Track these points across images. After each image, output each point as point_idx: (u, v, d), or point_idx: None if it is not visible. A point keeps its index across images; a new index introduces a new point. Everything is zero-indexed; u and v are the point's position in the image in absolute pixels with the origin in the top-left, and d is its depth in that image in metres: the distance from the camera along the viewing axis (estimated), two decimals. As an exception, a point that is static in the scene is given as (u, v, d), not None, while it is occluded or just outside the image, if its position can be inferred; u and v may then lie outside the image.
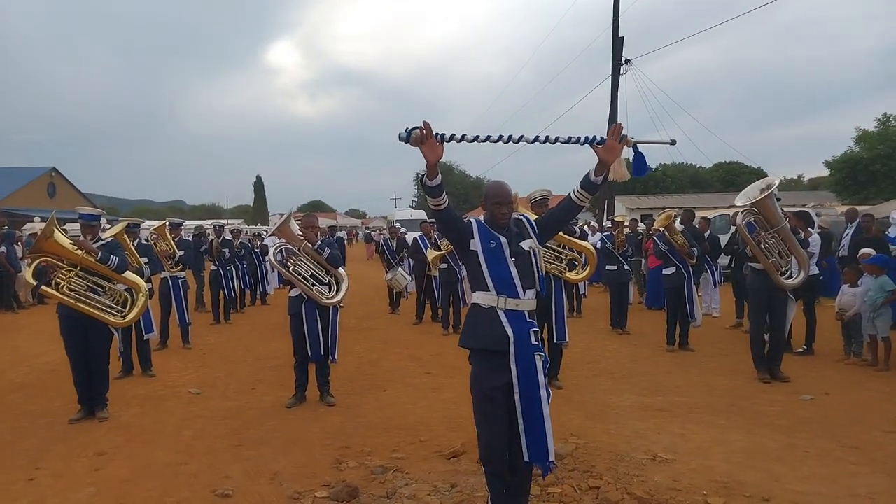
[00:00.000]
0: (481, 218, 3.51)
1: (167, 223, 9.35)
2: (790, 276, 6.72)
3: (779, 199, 7.03)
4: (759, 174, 39.84)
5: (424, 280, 11.27)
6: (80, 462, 4.72)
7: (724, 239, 11.43)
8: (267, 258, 13.48)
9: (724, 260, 11.79)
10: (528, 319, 3.32)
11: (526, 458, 3.23)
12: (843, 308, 7.63)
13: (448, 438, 5.04)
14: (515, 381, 3.21)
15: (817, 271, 8.32)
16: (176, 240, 9.05)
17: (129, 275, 5.95)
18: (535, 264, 3.38)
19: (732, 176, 45.63)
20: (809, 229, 8.16)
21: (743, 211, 6.84)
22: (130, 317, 5.95)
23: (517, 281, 3.29)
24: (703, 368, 7.45)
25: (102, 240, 5.98)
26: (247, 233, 20.03)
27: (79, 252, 5.57)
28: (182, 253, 8.89)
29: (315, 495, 4.03)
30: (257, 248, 14.67)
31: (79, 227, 5.85)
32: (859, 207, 15.41)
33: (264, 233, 18.29)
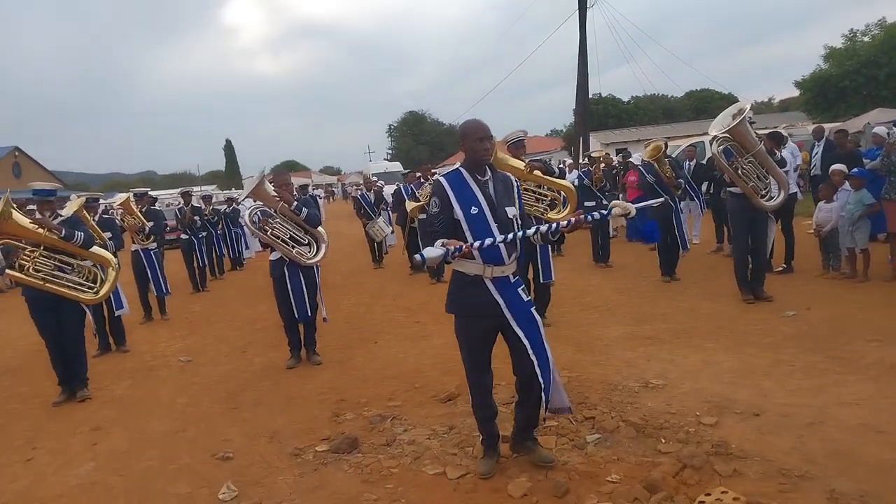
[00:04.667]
0: (457, 165, 3.48)
1: (131, 195, 9.13)
2: (770, 198, 6.75)
3: (753, 123, 6.99)
4: (731, 100, 39.77)
5: (408, 231, 11.18)
6: (76, 439, 4.71)
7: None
8: (242, 221, 13.33)
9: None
10: (513, 280, 3.39)
11: (546, 408, 3.41)
12: (819, 224, 7.73)
13: (442, 383, 5.09)
14: (523, 336, 3.31)
15: (795, 190, 8.38)
16: (143, 210, 8.87)
17: (96, 249, 5.79)
18: (516, 230, 3.37)
19: (704, 104, 45.64)
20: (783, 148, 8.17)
21: (718, 138, 6.79)
22: (103, 292, 5.79)
23: (502, 248, 3.29)
24: (688, 294, 7.55)
25: (62, 216, 5.74)
26: (217, 198, 19.43)
27: (40, 231, 5.35)
28: (151, 224, 8.72)
29: (315, 450, 4.06)
30: (228, 212, 14.44)
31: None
32: (829, 125, 15.51)
33: (237, 196, 18.00)
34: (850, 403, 3.95)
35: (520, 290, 3.39)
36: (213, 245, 12.77)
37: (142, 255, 8.69)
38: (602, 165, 10.42)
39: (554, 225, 3.32)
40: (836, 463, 3.23)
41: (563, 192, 6.77)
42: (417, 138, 63.59)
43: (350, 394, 5.11)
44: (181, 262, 11.60)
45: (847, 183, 7.50)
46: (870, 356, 4.81)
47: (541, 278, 6.48)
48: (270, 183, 6.08)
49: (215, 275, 13.07)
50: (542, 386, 3.33)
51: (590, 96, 24.86)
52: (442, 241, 3.13)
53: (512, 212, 3.36)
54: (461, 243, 3.11)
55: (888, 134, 8.50)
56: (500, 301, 3.30)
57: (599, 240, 10.27)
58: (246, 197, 6.70)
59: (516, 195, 3.45)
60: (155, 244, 8.85)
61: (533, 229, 3.31)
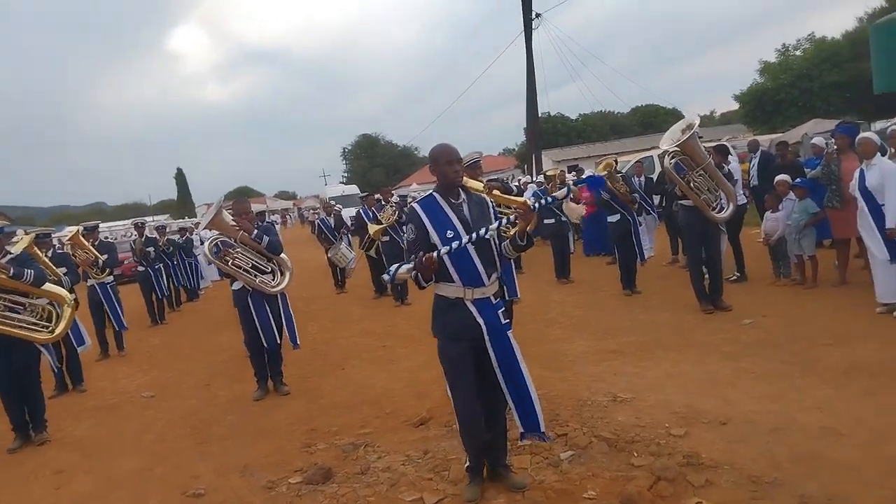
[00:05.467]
0: (431, 192, 3.50)
1: (80, 229, 8.90)
2: (721, 210, 6.97)
3: (700, 137, 7.23)
4: (675, 114, 41.09)
5: (365, 248, 11.14)
6: (38, 484, 4.54)
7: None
8: (201, 252, 13.10)
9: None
10: (494, 302, 3.41)
11: (521, 430, 3.44)
12: (767, 233, 8.01)
13: (413, 407, 5.08)
14: (495, 362, 3.35)
15: (744, 201, 8.67)
16: (95, 243, 8.65)
17: (49, 287, 5.58)
18: (494, 250, 3.43)
19: (650, 118, 46.92)
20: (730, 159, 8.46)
21: (669, 153, 6.99)
22: (58, 331, 5.58)
23: (481, 269, 3.33)
24: (648, 307, 7.71)
25: (11, 254, 5.53)
26: (170, 228, 18.94)
27: None
28: (105, 256, 8.50)
29: (289, 482, 4.00)
30: (182, 241, 14.19)
31: None
32: (767, 136, 16.09)
33: (191, 226, 17.69)
34: (810, 408, 4.09)
35: (499, 312, 3.40)
36: (170, 276, 12.54)
37: (98, 289, 8.47)
38: (557, 183, 10.61)
39: (503, 220, 3.34)
40: (803, 468, 3.34)
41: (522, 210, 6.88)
42: (372, 161, 63.54)
43: (320, 423, 5.05)
44: (138, 295, 11.33)
45: (791, 193, 7.80)
46: (825, 360, 4.98)
47: (506, 295, 6.52)
48: (229, 212, 6.00)
49: (173, 307, 12.80)
50: (516, 412, 3.39)
51: (539, 115, 25.26)
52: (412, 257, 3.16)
53: (489, 232, 3.34)
54: (429, 254, 3.10)
55: (827, 144, 8.88)
56: (482, 323, 3.32)
57: (561, 256, 10.40)
58: (204, 227, 6.57)
59: (492, 215, 3.49)
60: (111, 277, 8.64)
61: (483, 229, 3.23)
